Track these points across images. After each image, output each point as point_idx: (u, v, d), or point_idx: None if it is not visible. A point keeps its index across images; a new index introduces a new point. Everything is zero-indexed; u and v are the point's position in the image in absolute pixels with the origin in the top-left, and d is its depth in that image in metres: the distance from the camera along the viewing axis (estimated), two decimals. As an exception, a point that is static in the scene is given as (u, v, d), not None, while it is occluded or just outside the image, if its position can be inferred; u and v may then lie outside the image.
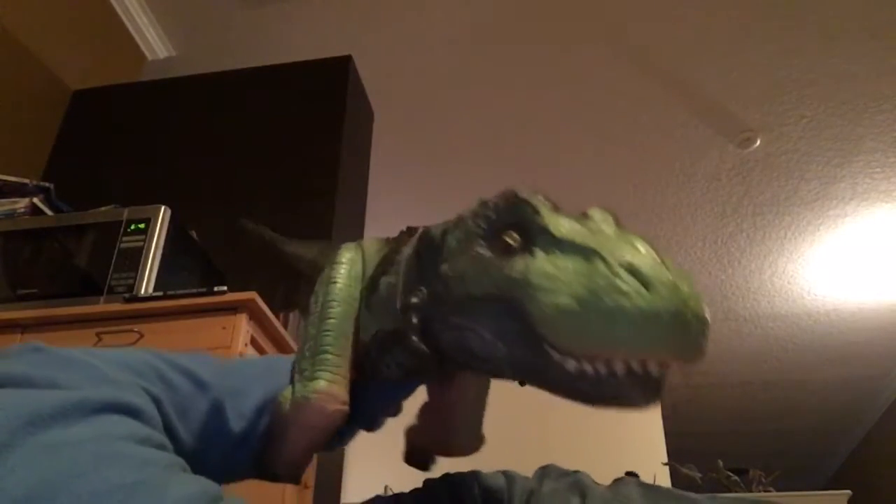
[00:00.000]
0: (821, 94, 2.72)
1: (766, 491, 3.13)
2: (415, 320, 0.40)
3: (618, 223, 0.37)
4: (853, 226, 3.32)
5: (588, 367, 0.31)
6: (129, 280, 1.60)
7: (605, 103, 2.83)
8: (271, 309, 1.59)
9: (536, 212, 0.36)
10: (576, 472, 0.50)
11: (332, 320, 0.45)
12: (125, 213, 1.72)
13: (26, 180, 1.96)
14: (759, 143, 2.92)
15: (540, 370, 0.34)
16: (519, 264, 0.34)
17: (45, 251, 1.73)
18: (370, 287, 0.47)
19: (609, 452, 3.97)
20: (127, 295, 1.56)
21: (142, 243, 1.65)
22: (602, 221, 0.36)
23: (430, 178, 3.16)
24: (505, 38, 2.64)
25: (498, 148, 3.02)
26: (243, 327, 1.49)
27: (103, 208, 1.80)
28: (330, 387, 0.43)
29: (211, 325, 1.49)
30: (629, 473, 3.41)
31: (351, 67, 2.42)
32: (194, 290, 1.56)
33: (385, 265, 0.47)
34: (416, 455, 0.52)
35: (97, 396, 0.33)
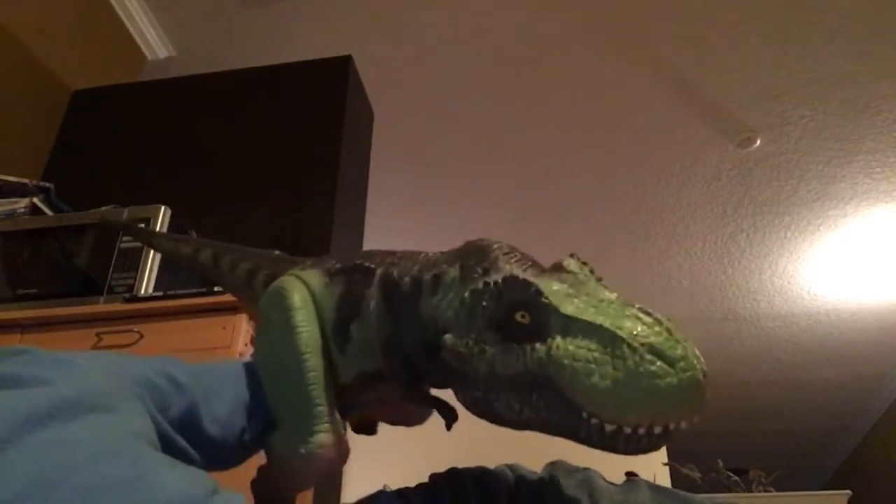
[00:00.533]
0: (821, 94, 2.72)
1: (766, 491, 3.13)
2: (401, 362, 0.46)
3: (593, 272, 0.44)
4: (853, 226, 3.32)
5: (627, 430, 0.37)
6: (129, 280, 1.60)
7: (605, 103, 2.83)
8: (271, 309, 1.58)
9: (540, 293, 0.40)
10: (585, 469, 0.50)
11: (313, 373, 0.48)
12: (125, 213, 1.72)
13: (26, 180, 1.96)
14: (759, 143, 2.92)
15: (572, 429, 0.39)
16: (540, 347, 0.39)
17: (45, 251, 1.73)
18: (341, 332, 0.50)
19: (609, 452, 3.97)
20: (127, 295, 1.56)
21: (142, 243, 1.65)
22: (582, 273, 0.43)
23: (430, 177, 3.16)
24: (505, 38, 2.64)
25: (498, 148, 3.02)
26: (243, 327, 1.49)
27: (103, 208, 1.80)
28: (330, 437, 0.47)
29: (211, 325, 1.49)
30: (629, 474, 3.42)
31: (351, 67, 2.41)
32: (194, 290, 1.56)
33: (347, 309, 0.50)
34: (362, 426, 0.57)
35: (88, 395, 0.34)
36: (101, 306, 1.57)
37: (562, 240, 3.46)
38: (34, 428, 0.30)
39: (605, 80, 2.73)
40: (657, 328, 0.38)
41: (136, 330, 1.51)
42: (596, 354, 0.37)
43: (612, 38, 2.60)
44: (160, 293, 1.57)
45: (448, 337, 0.42)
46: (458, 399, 0.44)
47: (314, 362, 0.48)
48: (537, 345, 0.39)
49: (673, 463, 3.51)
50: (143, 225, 1.68)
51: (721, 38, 2.57)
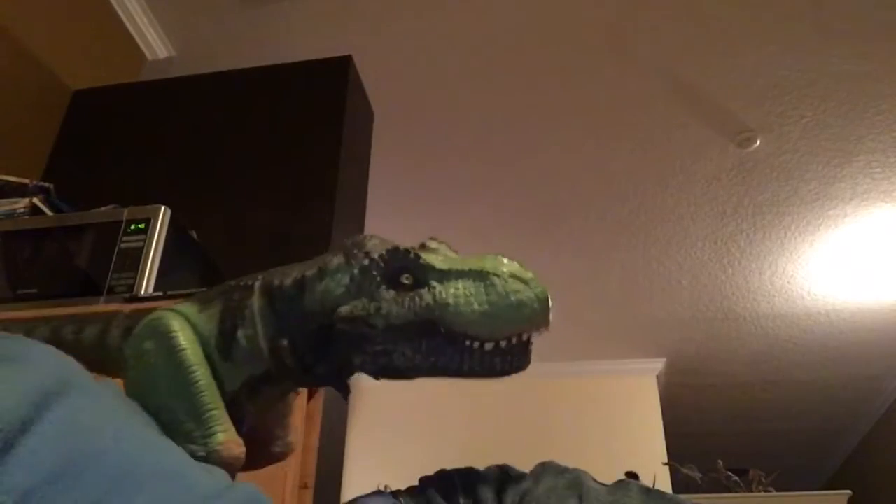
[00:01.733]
0: (821, 94, 2.72)
1: (766, 491, 3.13)
2: (291, 358, 0.51)
3: (452, 249, 0.54)
4: (853, 226, 3.32)
5: (503, 343, 0.47)
6: (129, 280, 1.60)
7: (605, 103, 2.83)
8: (271, 309, 1.58)
9: (418, 256, 0.50)
10: (575, 469, 0.50)
11: (201, 382, 0.51)
12: (125, 213, 1.71)
13: (26, 180, 1.96)
14: (759, 143, 2.92)
15: (456, 365, 0.48)
16: (426, 294, 0.48)
17: (45, 251, 1.73)
18: (225, 342, 0.53)
19: (609, 452, 3.97)
20: (127, 295, 1.56)
21: (142, 243, 1.65)
22: (447, 249, 0.53)
23: (430, 177, 3.16)
24: (504, 38, 2.64)
25: (498, 148, 3.02)
26: (243, 327, 1.49)
27: (103, 208, 1.80)
28: (227, 435, 0.50)
29: (211, 325, 1.49)
30: (629, 474, 3.42)
31: (351, 67, 2.41)
32: (194, 291, 1.56)
33: (229, 320, 0.54)
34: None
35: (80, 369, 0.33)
36: (101, 306, 1.57)
37: (562, 240, 3.46)
38: (50, 404, 0.29)
39: (606, 79, 2.73)
40: (510, 262, 0.49)
41: (136, 330, 1.51)
42: (471, 289, 0.47)
43: (613, 38, 2.60)
44: (160, 293, 1.56)
45: (342, 308, 0.49)
46: (357, 365, 0.50)
47: (200, 373, 0.51)
48: (423, 292, 0.48)
49: (673, 463, 3.52)
50: (142, 225, 1.68)
51: (721, 38, 2.56)
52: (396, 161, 3.00)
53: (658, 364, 4.35)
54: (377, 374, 0.50)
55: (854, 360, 4.29)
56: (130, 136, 2.44)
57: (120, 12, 2.62)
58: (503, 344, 0.47)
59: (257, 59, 2.50)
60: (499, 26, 2.61)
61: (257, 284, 0.56)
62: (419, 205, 3.26)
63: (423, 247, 0.52)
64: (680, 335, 4.14)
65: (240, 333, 0.53)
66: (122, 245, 1.66)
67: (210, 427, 0.49)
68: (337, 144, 2.22)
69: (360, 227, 2.42)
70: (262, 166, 2.25)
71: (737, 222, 3.35)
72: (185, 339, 0.53)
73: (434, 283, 0.48)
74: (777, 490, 3.21)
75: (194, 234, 1.89)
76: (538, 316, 0.47)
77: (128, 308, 0.66)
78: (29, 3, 2.31)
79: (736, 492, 3.10)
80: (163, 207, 1.71)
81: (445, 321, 0.47)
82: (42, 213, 1.86)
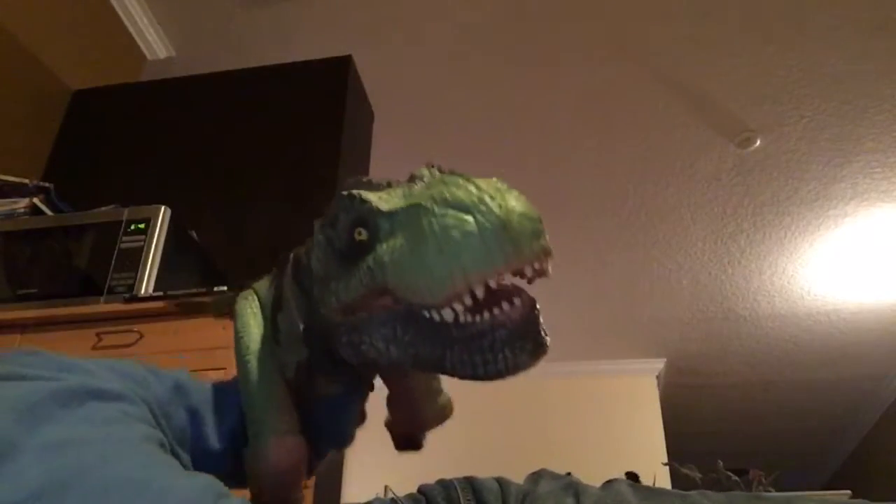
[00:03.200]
0: (821, 94, 2.72)
1: (766, 491, 3.12)
2: (316, 347, 0.43)
3: (444, 170, 0.39)
4: (853, 226, 3.32)
5: (458, 307, 0.34)
6: (129, 280, 1.60)
7: (605, 103, 2.82)
8: (271, 309, 1.58)
9: (364, 201, 0.38)
10: (568, 474, 0.51)
11: (252, 374, 0.47)
12: (125, 213, 1.72)
13: (26, 180, 1.96)
14: (759, 143, 2.92)
15: (439, 356, 0.36)
16: (370, 256, 0.36)
17: (45, 251, 1.73)
18: (273, 327, 0.48)
19: (609, 452, 3.97)
20: (127, 295, 1.56)
21: (142, 243, 1.65)
22: (430, 175, 0.39)
23: (430, 178, 3.16)
24: (504, 38, 2.64)
25: (497, 148, 3.02)
26: (243, 327, 1.49)
27: (103, 208, 1.80)
28: (280, 439, 0.45)
29: (211, 325, 1.49)
30: (629, 473, 3.41)
31: (351, 67, 2.42)
32: (194, 290, 1.56)
33: (276, 302, 0.48)
34: (403, 441, 0.55)
35: (83, 382, 0.34)
36: (101, 306, 1.57)
37: (562, 240, 3.46)
38: (39, 423, 0.30)
39: (605, 80, 2.73)
40: (469, 187, 0.34)
41: (136, 330, 1.51)
42: (406, 236, 0.35)
43: (613, 38, 2.60)
44: (160, 293, 1.57)
45: (315, 289, 0.40)
46: (348, 359, 0.41)
47: (254, 363, 0.47)
48: (368, 255, 0.37)
49: (673, 463, 3.51)
50: (142, 225, 1.68)
51: (721, 38, 2.56)
52: (396, 161, 2.99)
53: (658, 364, 4.35)
54: (363, 368, 0.43)
55: (854, 360, 4.29)
56: (130, 136, 2.44)
57: (120, 12, 2.62)
58: (458, 308, 0.34)
59: (257, 59, 2.50)
60: (499, 27, 2.60)
61: (291, 256, 0.47)
62: (419, 205, 3.26)
63: (410, 178, 0.40)
64: (680, 335, 4.14)
65: (279, 317, 0.48)
66: (122, 245, 1.66)
67: (261, 425, 0.45)
68: (337, 144, 2.22)
69: (360, 227, 2.42)
70: (262, 166, 2.25)
71: (737, 222, 3.35)
72: (245, 324, 0.49)
73: (383, 235, 0.37)
74: (777, 490, 3.20)
75: (194, 234, 1.89)
76: (489, 254, 0.32)
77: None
78: (29, 3, 2.31)
79: (736, 492, 3.10)
80: (163, 207, 1.71)
81: (388, 286, 0.36)
82: (42, 213, 1.86)
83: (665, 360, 4.34)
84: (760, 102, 2.77)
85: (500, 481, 0.50)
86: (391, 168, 3.19)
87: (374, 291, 0.37)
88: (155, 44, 2.76)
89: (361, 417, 0.53)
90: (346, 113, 2.29)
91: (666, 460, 3.79)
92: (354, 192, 0.39)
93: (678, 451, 3.99)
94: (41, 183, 1.97)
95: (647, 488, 0.47)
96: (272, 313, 0.49)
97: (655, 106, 2.81)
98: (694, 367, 4.40)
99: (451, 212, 0.33)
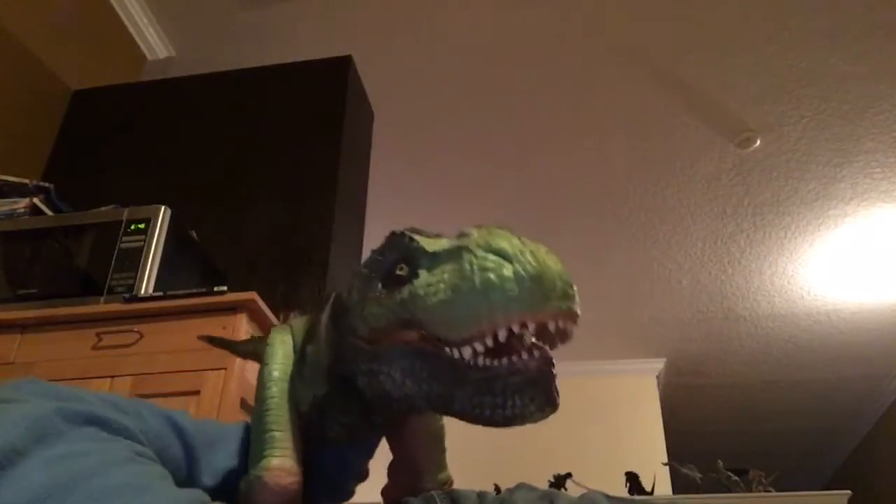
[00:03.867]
0: (821, 94, 2.72)
1: (766, 491, 3.13)
2: (336, 383, 0.44)
3: (507, 230, 0.41)
4: (853, 226, 3.32)
5: (479, 348, 0.35)
6: (129, 280, 1.60)
7: (605, 103, 2.83)
8: (271, 309, 1.59)
9: (413, 240, 0.40)
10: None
11: (271, 399, 0.47)
12: (125, 213, 1.72)
13: (26, 180, 1.96)
14: (759, 143, 2.92)
15: (449, 396, 0.37)
16: (405, 288, 0.38)
17: (45, 251, 1.73)
18: (300, 360, 0.49)
19: (609, 452, 3.97)
20: (127, 295, 1.56)
21: (142, 243, 1.65)
22: (474, 230, 0.40)
23: (430, 177, 3.16)
24: (504, 38, 2.64)
25: (497, 148, 3.02)
26: (243, 327, 1.49)
27: (103, 208, 1.80)
28: (280, 462, 0.44)
29: (211, 325, 1.49)
30: (629, 474, 3.42)
31: (351, 67, 2.42)
32: (194, 290, 1.56)
33: (309, 335, 0.49)
34: None
35: (91, 411, 0.35)
36: (101, 306, 1.57)
37: (562, 240, 3.46)
38: (42, 440, 0.31)
39: (605, 80, 2.73)
40: (513, 240, 0.37)
41: (136, 330, 1.51)
42: (445, 276, 0.36)
43: (612, 38, 2.60)
44: (160, 293, 1.57)
45: (351, 318, 0.41)
46: (362, 389, 0.42)
47: (273, 391, 0.47)
48: (404, 287, 0.38)
49: (673, 463, 3.52)
50: (142, 225, 1.68)
51: (721, 38, 2.56)
52: (396, 161, 3.00)
53: (658, 364, 4.35)
54: (378, 401, 0.42)
55: (854, 360, 4.29)
56: (130, 136, 2.44)
57: (120, 12, 2.62)
58: (479, 347, 0.35)
59: (257, 59, 2.50)
60: (499, 27, 2.61)
61: (334, 294, 0.47)
62: (419, 205, 3.26)
63: (461, 235, 0.41)
64: (680, 335, 4.14)
65: (309, 349, 0.48)
66: (122, 245, 1.66)
67: (266, 449, 0.45)
68: (337, 144, 2.22)
69: (360, 227, 2.42)
70: (262, 166, 2.25)
71: (737, 222, 3.35)
72: (273, 353, 0.49)
73: (421, 272, 0.38)
74: (777, 490, 3.20)
75: (194, 234, 1.89)
76: (519, 300, 0.34)
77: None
78: (29, 3, 2.31)
79: (736, 492, 3.09)
80: (163, 207, 1.71)
81: (417, 319, 0.37)
82: (42, 213, 1.86)
83: (665, 360, 4.34)
84: (760, 102, 2.77)
85: (479, 493, 0.50)
86: (391, 168, 3.21)
87: (402, 321, 0.38)
88: (155, 44, 2.76)
89: (363, 475, 0.52)
90: (346, 113, 2.29)
91: (666, 460, 3.79)
92: (406, 231, 0.41)
93: (678, 451, 3.99)
94: (41, 183, 1.97)
95: (624, 499, 0.47)
96: (302, 346, 0.49)
97: (655, 106, 2.81)
98: (694, 367, 4.40)
99: (491, 256, 0.35)
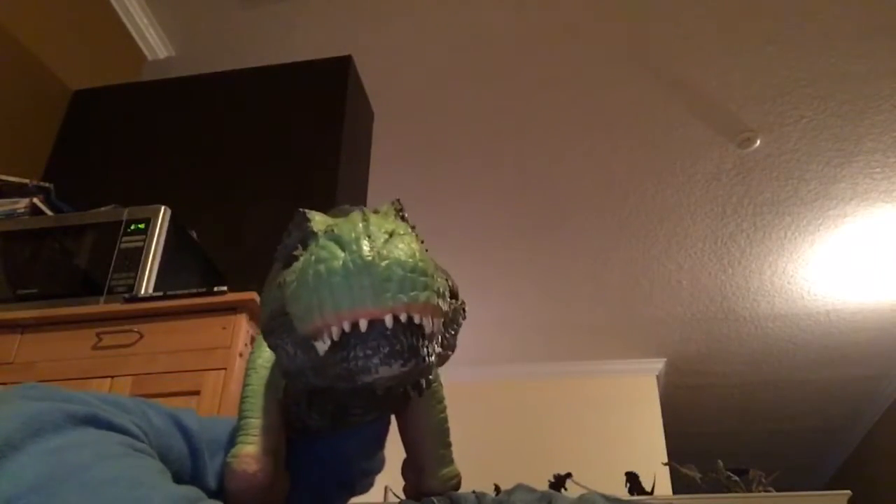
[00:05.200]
0: (821, 94, 2.72)
1: (766, 491, 3.13)
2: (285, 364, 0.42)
3: (399, 216, 0.39)
4: (853, 226, 3.32)
5: (325, 339, 0.33)
6: (129, 280, 1.60)
7: (605, 103, 2.83)
8: (271, 309, 1.58)
9: (308, 219, 0.38)
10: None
11: (248, 387, 0.46)
12: (125, 213, 1.72)
13: (26, 180, 1.96)
14: (759, 143, 2.92)
15: (314, 362, 0.35)
16: (285, 271, 0.37)
17: (45, 251, 1.73)
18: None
19: (609, 452, 3.97)
20: (127, 295, 1.56)
21: (142, 243, 1.65)
22: (384, 211, 0.39)
23: (430, 177, 3.16)
24: (504, 38, 2.64)
25: (497, 148, 3.02)
26: (243, 327, 1.49)
27: (103, 208, 1.80)
28: (249, 449, 0.43)
29: (211, 325, 1.49)
30: (629, 474, 3.41)
31: (351, 67, 2.41)
32: (194, 290, 1.56)
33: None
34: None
35: (89, 411, 0.36)
36: (101, 306, 1.57)
37: (562, 240, 3.46)
38: (38, 435, 0.32)
39: (605, 80, 2.73)
40: (358, 224, 0.34)
41: (136, 330, 1.51)
42: (299, 264, 0.35)
43: (613, 38, 2.60)
44: (160, 293, 1.57)
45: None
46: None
47: (253, 378, 0.47)
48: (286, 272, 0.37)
49: (673, 463, 3.52)
50: (142, 225, 1.68)
51: (721, 38, 2.56)
52: (396, 161, 3.00)
53: (658, 364, 4.35)
54: (285, 377, 0.42)
55: (854, 360, 4.29)
56: (130, 136, 2.44)
57: (120, 12, 2.62)
58: (325, 340, 0.33)
59: (257, 59, 2.50)
60: (498, 27, 2.61)
61: None
62: (419, 205, 3.26)
63: (375, 211, 0.40)
64: (680, 335, 4.14)
65: None
66: (122, 245, 1.66)
67: (238, 436, 0.44)
68: (337, 144, 2.22)
69: (360, 227, 2.41)
70: (262, 166, 2.25)
71: (737, 222, 3.35)
72: (260, 342, 0.49)
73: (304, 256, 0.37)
74: (777, 490, 3.20)
75: (194, 234, 1.89)
76: (348, 296, 0.32)
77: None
78: (29, 3, 2.31)
79: (736, 492, 3.09)
80: (163, 207, 1.71)
81: (288, 312, 0.36)
82: (42, 213, 1.86)
83: (665, 360, 4.34)
84: (760, 102, 2.77)
85: (477, 494, 0.50)
86: (391, 168, 3.20)
87: (281, 309, 0.37)
88: (155, 44, 2.76)
89: (375, 467, 0.52)
90: (346, 113, 2.29)
91: (666, 460, 3.79)
92: (305, 210, 0.40)
93: (678, 451, 3.99)
94: (41, 183, 1.97)
95: (622, 500, 0.47)
96: None
97: (655, 106, 2.81)
98: (694, 367, 4.40)
99: (329, 245, 0.33)
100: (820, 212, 3.25)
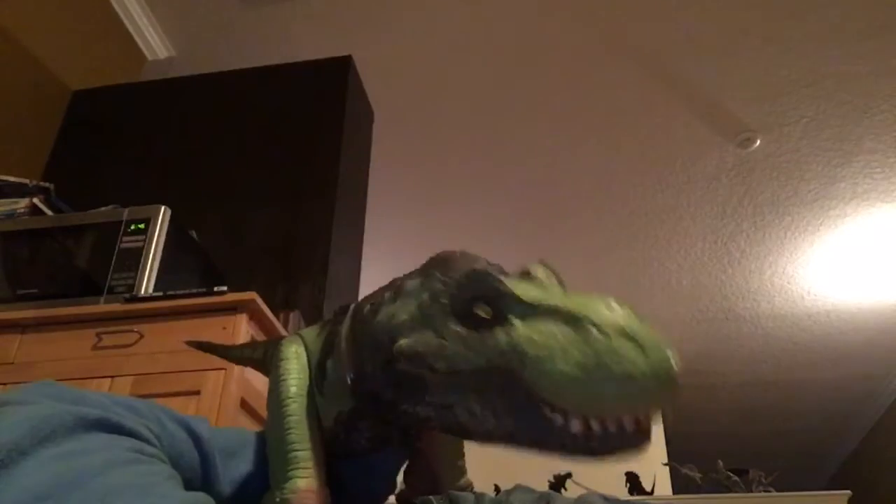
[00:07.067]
0: (821, 94, 2.72)
1: (766, 491, 3.13)
2: (364, 398, 0.43)
3: (560, 280, 0.41)
4: (853, 226, 3.32)
5: (596, 427, 0.34)
6: (129, 280, 1.60)
7: (605, 104, 2.82)
8: (271, 309, 1.59)
9: (499, 282, 0.38)
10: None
11: (291, 417, 0.46)
12: (125, 213, 1.72)
13: (26, 180, 1.96)
14: (759, 143, 2.92)
15: (537, 434, 0.36)
16: (501, 335, 0.36)
17: (45, 251, 1.73)
18: (318, 374, 0.48)
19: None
20: (127, 295, 1.56)
21: (142, 243, 1.65)
22: (547, 279, 0.40)
23: (430, 177, 3.16)
24: (504, 38, 2.64)
25: (497, 148, 3.02)
26: (243, 327, 1.49)
27: (103, 208, 1.80)
28: (307, 483, 0.43)
29: (211, 325, 1.49)
30: (629, 474, 3.41)
31: (351, 67, 2.42)
32: (194, 290, 1.56)
33: (327, 349, 0.48)
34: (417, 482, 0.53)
35: (100, 414, 0.35)
36: (101, 306, 1.57)
37: (562, 240, 3.46)
38: (46, 440, 0.31)
39: (605, 80, 2.73)
40: (626, 312, 0.35)
41: (136, 330, 1.51)
42: (560, 338, 0.35)
43: (612, 38, 2.60)
44: (160, 293, 1.57)
45: (403, 341, 0.39)
46: (421, 418, 0.40)
47: (294, 407, 0.46)
48: (498, 332, 0.36)
49: (673, 463, 3.51)
50: (142, 225, 1.68)
51: (721, 38, 2.56)
52: (396, 161, 3.00)
53: (658, 364, 4.35)
54: (443, 431, 0.41)
55: (854, 360, 4.29)
56: (130, 136, 2.44)
57: (120, 12, 2.62)
58: (596, 427, 0.34)
59: (257, 59, 2.50)
60: (498, 27, 2.61)
61: (352, 307, 0.47)
62: (419, 205, 3.26)
63: (525, 273, 0.40)
64: (680, 335, 4.13)
65: (329, 363, 0.47)
66: (122, 245, 1.66)
67: (290, 470, 0.44)
68: (337, 144, 2.22)
69: (360, 227, 2.42)
70: (262, 166, 2.25)
71: (737, 222, 3.35)
72: (290, 367, 0.48)
73: (515, 321, 0.36)
74: (777, 490, 3.20)
75: (194, 234, 1.89)
76: (651, 398, 0.33)
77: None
78: (29, 3, 2.31)
79: (736, 492, 3.09)
80: (163, 207, 1.71)
81: (523, 376, 0.35)
82: (42, 213, 1.86)
83: (665, 360, 4.33)
84: (760, 102, 2.77)
85: (476, 494, 0.50)
86: (391, 168, 3.21)
87: (496, 370, 0.36)
88: (155, 44, 2.76)
89: (391, 484, 0.52)
90: (346, 113, 2.29)
91: (666, 460, 3.79)
92: (491, 272, 0.39)
93: (678, 451, 3.98)
94: (41, 183, 1.97)
95: (621, 500, 0.47)
96: (321, 360, 0.48)
97: (655, 106, 2.81)
98: (694, 367, 4.40)
99: (622, 342, 0.34)
100: (820, 212, 3.25)
